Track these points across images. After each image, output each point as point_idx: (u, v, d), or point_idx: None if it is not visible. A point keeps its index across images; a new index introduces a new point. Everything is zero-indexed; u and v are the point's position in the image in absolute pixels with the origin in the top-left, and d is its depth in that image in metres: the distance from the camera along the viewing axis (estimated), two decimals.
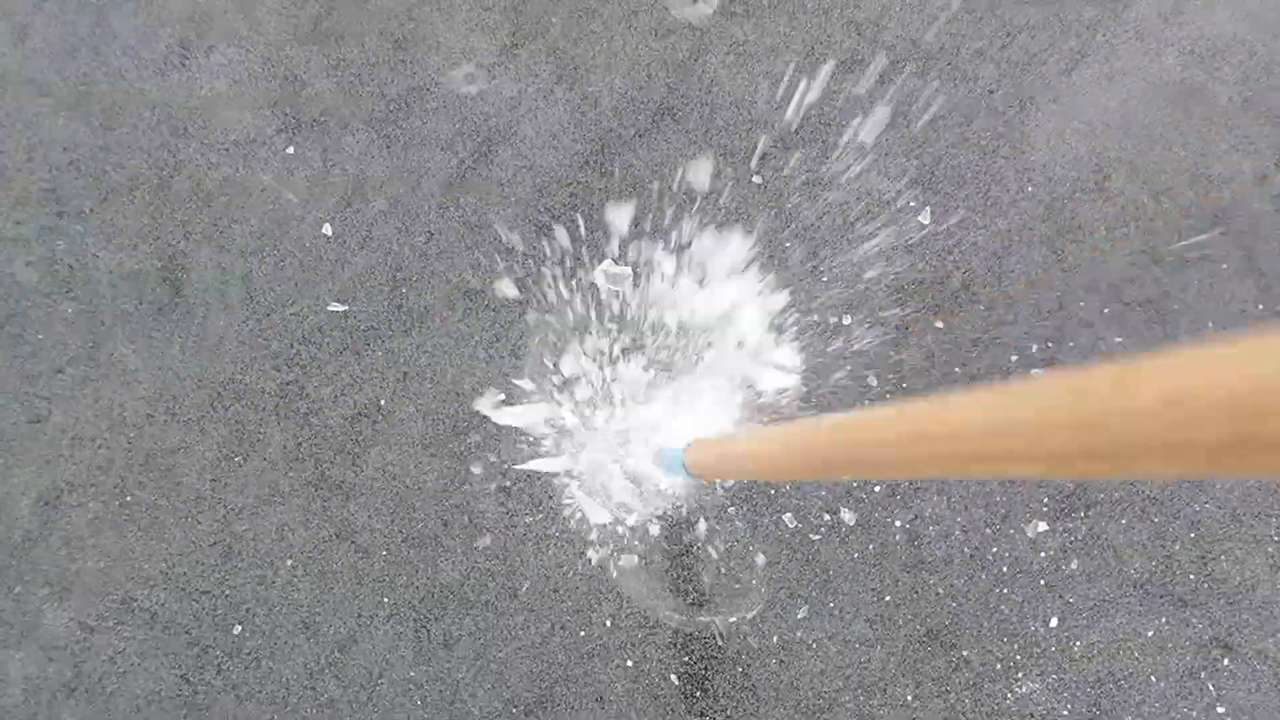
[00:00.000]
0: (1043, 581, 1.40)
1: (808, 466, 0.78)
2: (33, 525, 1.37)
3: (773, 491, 1.40)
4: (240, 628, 1.36)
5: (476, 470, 1.40)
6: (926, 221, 1.44)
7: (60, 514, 1.37)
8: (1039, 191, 1.44)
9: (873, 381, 1.44)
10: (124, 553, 1.37)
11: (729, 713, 1.36)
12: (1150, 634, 1.39)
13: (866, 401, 1.42)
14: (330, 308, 1.42)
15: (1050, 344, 1.43)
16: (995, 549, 1.40)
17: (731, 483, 1.40)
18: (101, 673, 1.35)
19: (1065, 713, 1.37)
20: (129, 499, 1.38)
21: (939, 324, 1.45)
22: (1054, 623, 1.39)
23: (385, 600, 1.37)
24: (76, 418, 1.39)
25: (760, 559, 1.39)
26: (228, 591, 1.37)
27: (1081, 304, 1.43)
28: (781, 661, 1.37)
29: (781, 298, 1.44)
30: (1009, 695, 1.38)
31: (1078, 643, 1.39)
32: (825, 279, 1.44)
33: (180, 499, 1.38)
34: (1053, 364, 1.42)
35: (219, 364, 1.41)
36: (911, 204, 1.44)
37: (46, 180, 1.43)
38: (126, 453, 1.39)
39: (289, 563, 1.37)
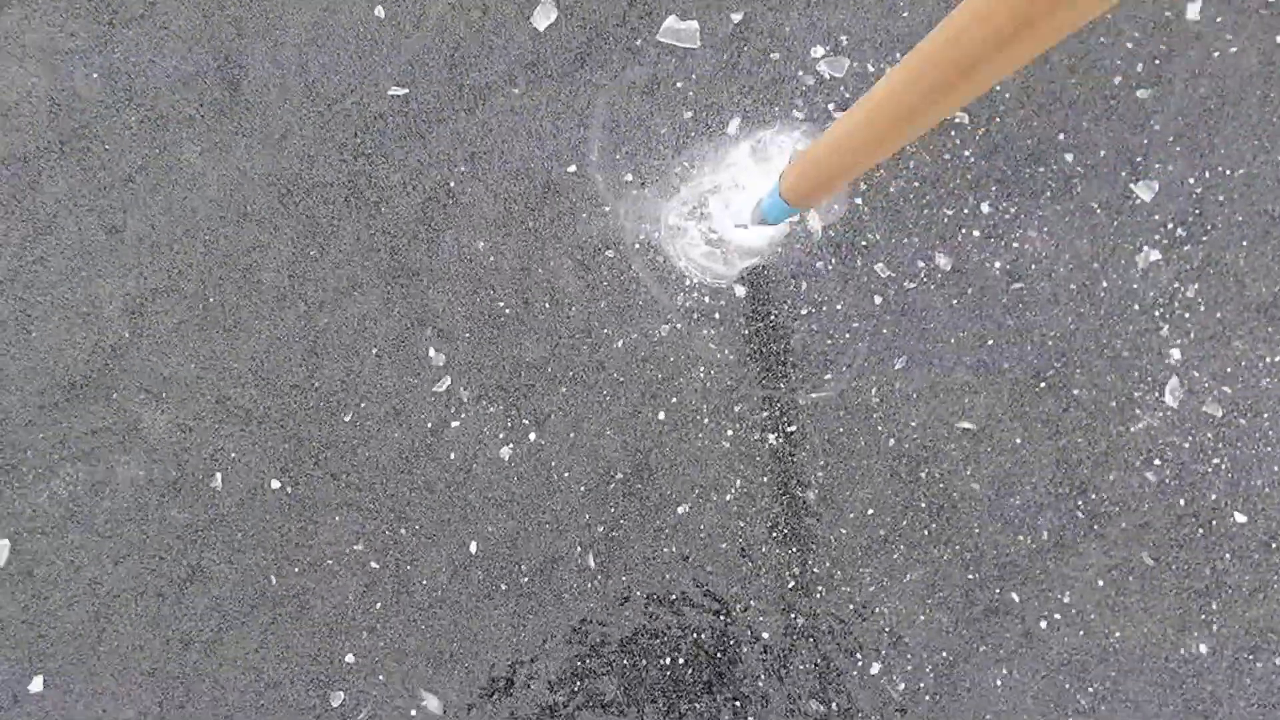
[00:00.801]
0: (1158, 313, 1.31)
1: (895, 119, 0.71)
2: (122, 333, 1.37)
3: (864, 242, 1.33)
4: (333, 419, 1.35)
5: (554, 245, 1.36)
6: None
7: (147, 320, 1.37)
8: None
9: (964, 120, 1.35)
10: (213, 354, 1.37)
11: (829, 468, 1.32)
12: (1278, 359, 1.30)
13: (956, 145, 1.33)
14: (391, 92, 1.38)
15: None
16: (1104, 283, 1.32)
17: (820, 229, 1.33)
18: (204, 470, 1.36)
19: (1186, 445, 1.30)
20: (211, 301, 1.37)
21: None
22: (1174, 355, 1.31)
23: (472, 381, 1.35)
24: (152, 225, 1.38)
25: (854, 311, 1.33)
26: (317, 384, 1.36)
27: None
28: (881, 415, 1.32)
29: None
30: (1125, 433, 1.31)
31: (1198, 372, 1.31)
32: (905, 12, 1.34)
33: (261, 298, 1.37)
34: None
35: (285, 160, 1.38)
36: None
37: None
38: (204, 256, 1.38)
39: (374, 351, 1.36)
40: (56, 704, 1.33)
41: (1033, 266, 1.32)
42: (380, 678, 1.32)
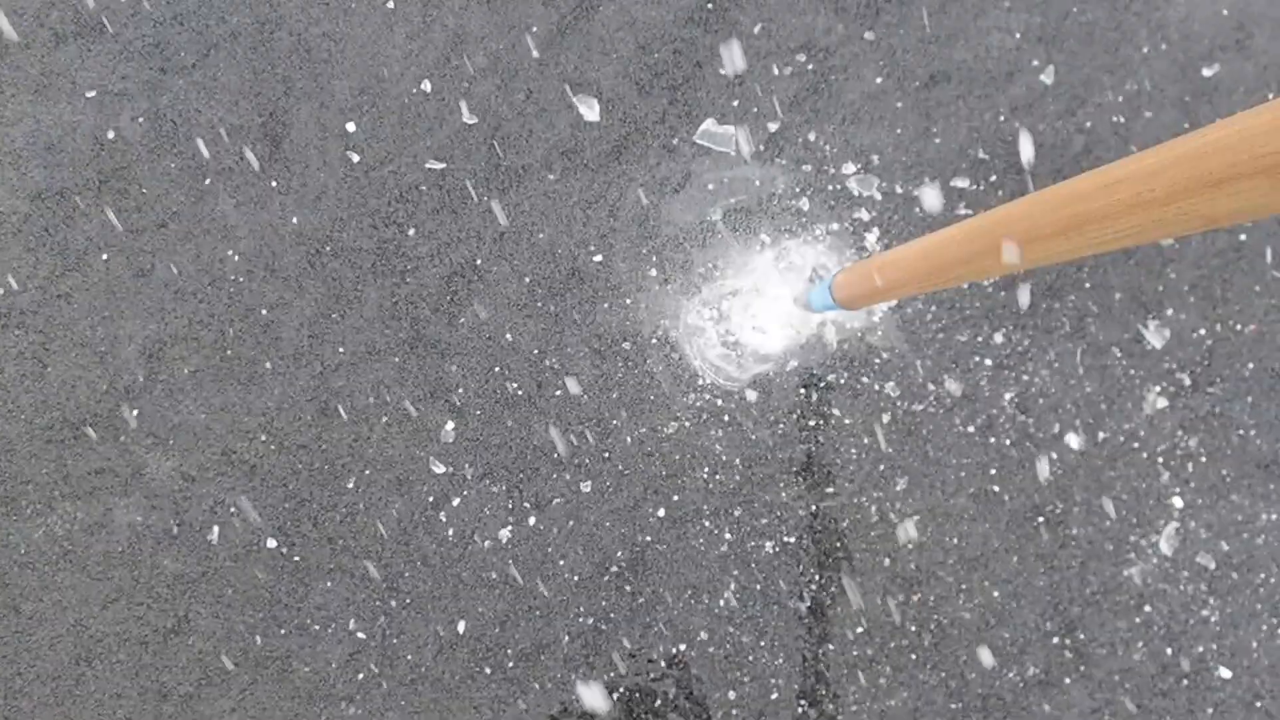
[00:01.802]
0: (1160, 459, 1.32)
1: (974, 254, 0.73)
2: (137, 376, 1.38)
3: (876, 361, 1.35)
4: (336, 483, 1.35)
5: (572, 331, 1.37)
6: (1049, 81, 1.36)
7: (163, 366, 1.38)
8: (1173, 50, 1.34)
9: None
10: (224, 405, 1.37)
11: (823, 582, 1.32)
12: (1275, 517, 1.31)
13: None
14: (428, 165, 1.40)
15: None
16: (1110, 423, 1.33)
17: (835, 343, 1.35)
18: (202, 522, 1.35)
19: (1178, 594, 1.31)
20: (229, 353, 1.38)
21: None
22: (1173, 503, 1.31)
23: (479, 460, 1.35)
24: (179, 272, 1.39)
25: (860, 427, 1.34)
26: (324, 446, 1.36)
27: None
28: (878, 534, 1.33)
29: (887, 155, 1.37)
30: (1118, 575, 1.31)
31: (1194, 522, 1.31)
32: (938, 138, 1.37)
33: (279, 354, 1.38)
34: None
35: (318, 220, 1.40)
36: (1034, 63, 1.36)
37: (150, 35, 1.42)
38: (227, 307, 1.39)
39: (384, 419, 1.36)
40: None
41: (1040, 400, 1.33)
42: None
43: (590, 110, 1.39)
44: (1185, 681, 1.29)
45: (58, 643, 1.32)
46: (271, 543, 1.33)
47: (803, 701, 1.30)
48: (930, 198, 1.37)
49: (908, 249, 0.86)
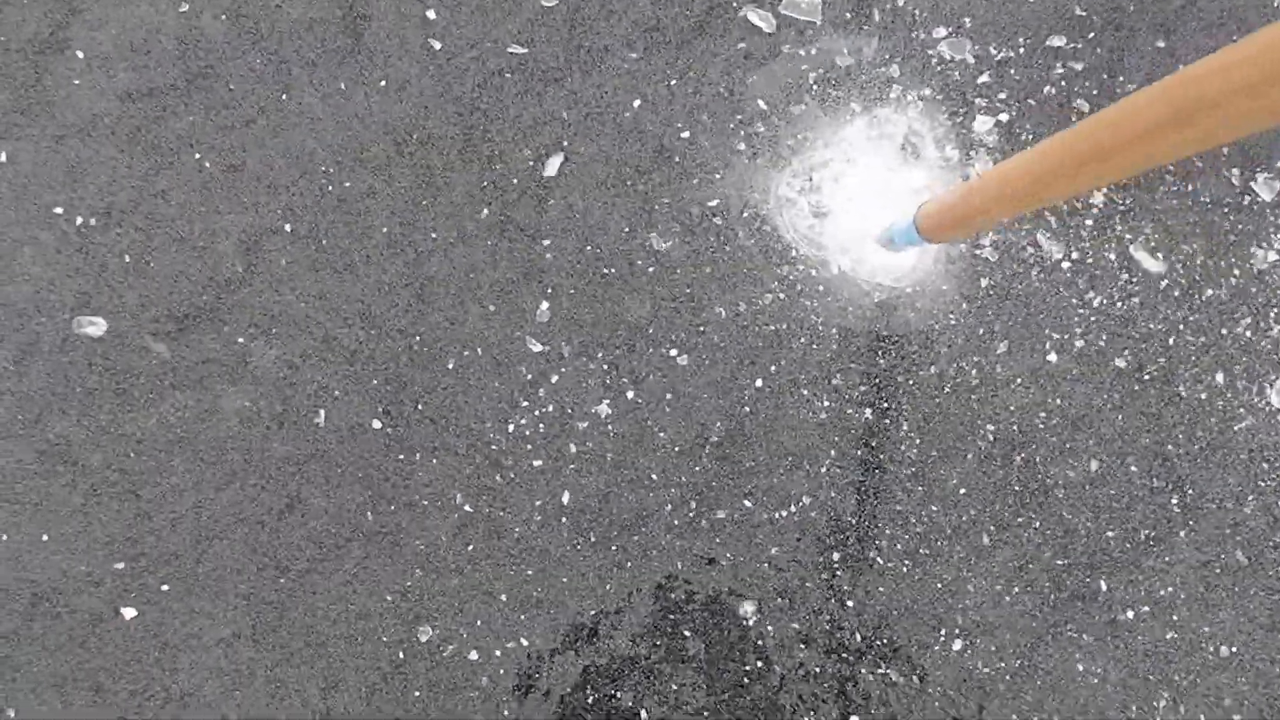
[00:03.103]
0: (1272, 314, 1.29)
1: (1063, 172, 0.70)
2: (236, 268, 1.40)
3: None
4: (436, 365, 1.37)
5: (662, 209, 1.36)
6: None
7: (260, 258, 1.40)
8: None
9: (1084, 107, 1.33)
10: (322, 294, 1.39)
11: (924, 446, 1.32)
12: None
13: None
14: (510, 50, 1.38)
15: None
16: (1218, 278, 1.30)
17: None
18: (308, 406, 1.38)
19: None
20: (323, 243, 1.39)
21: (1160, 43, 1.33)
22: None
23: (574, 337, 1.36)
24: (270, 166, 1.40)
25: (958, 293, 1.32)
26: (422, 330, 1.38)
27: None
28: (979, 397, 1.32)
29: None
30: (1226, 431, 1.29)
31: None
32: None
33: (372, 242, 1.39)
34: None
35: (403, 110, 1.40)
36: None
37: None
38: (318, 198, 1.39)
39: (479, 302, 1.37)
40: (154, 619, 1.37)
41: (1144, 258, 1.30)
42: (468, 617, 1.34)
43: None
44: None
45: (177, 524, 1.37)
46: (376, 424, 1.36)
47: (906, 562, 1.30)
48: (1025, 58, 1.33)
49: (1001, 168, 0.81)
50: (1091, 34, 1.32)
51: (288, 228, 1.38)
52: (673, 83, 1.36)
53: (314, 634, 1.35)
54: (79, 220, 1.38)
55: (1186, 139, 0.56)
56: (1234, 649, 1.27)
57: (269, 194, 1.39)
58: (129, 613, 1.36)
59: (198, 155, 1.40)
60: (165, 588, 1.36)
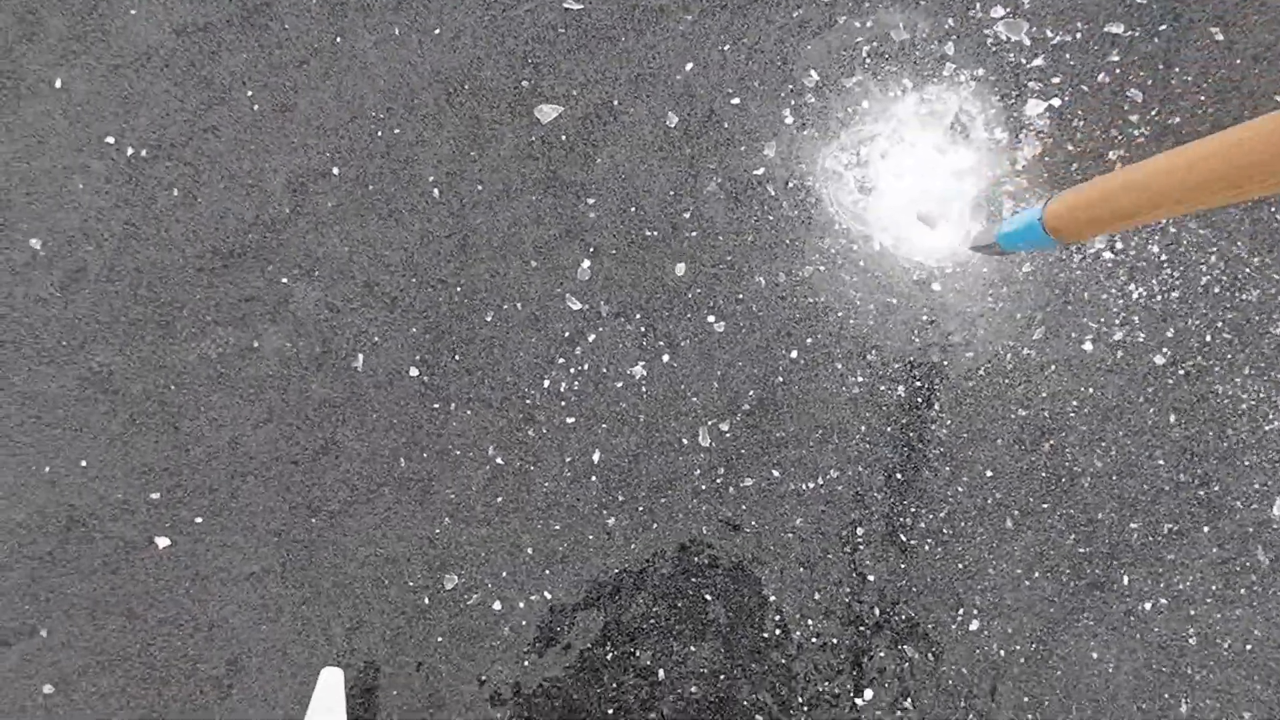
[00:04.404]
0: None
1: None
2: (282, 208, 1.40)
3: (1015, 211, 1.32)
4: (475, 316, 1.38)
5: (708, 174, 1.35)
6: None
7: (307, 199, 1.40)
8: None
9: (1137, 97, 1.32)
10: (366, 239, 1.39)
11: (954, 426, 1.32)
12: None
13: (1127, 120, 1.30)
14: (565, 5, 1.37)
15: None
16: (1256, 276, 1.29)
17: (973, 195, 1.31)
18: (347, 350, 1.39)
19: None
20: (370, 188, 1.39)
21: (1218, 35, 1.31)
22: None
23: (613, 297, 1.36)
24: (320, 108, 1.40)
25: (998, 276, 1.32)
26: (463, 281, 1.38)
27: None
28: (1012, 382, 1.32)
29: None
30: (1257, 430, 1.29)
31: None
32: None
33: (418, 190, 1.39)
34: None
35: (455, 59, 1.39)
36: None
37: None
38: (367, 143, 1.40)
39: (521, 256, 1.37)
40: (186, 550, 1.39)
41: (1186, 252, 1.29)
42: (493, 568, 1.36)
43: None
44: None
45: (214, 458, 1.38)
46: (414, 371, 1.37)
47: (929, 540, 1.31)
48: (1081, 43, 1.31)
49: (1169, 160, 0.68)
50: (1149, 22, 1.30)
51: (335, 171, 1.38)
52: (726, 48, 1.35)
53: (341, 575, 1.37)
54: (130, 151, 1.39)
55: None
56: (1249, 647, 1.27)
57: (318, 136, 1.39)
58: (162, 542, 1.39)
59: (250, 93, 1.40)
60: (199, 520, 1.38)
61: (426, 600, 1.35)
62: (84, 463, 1.39)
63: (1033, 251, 1.08)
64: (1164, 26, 1.30)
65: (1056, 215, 0.87)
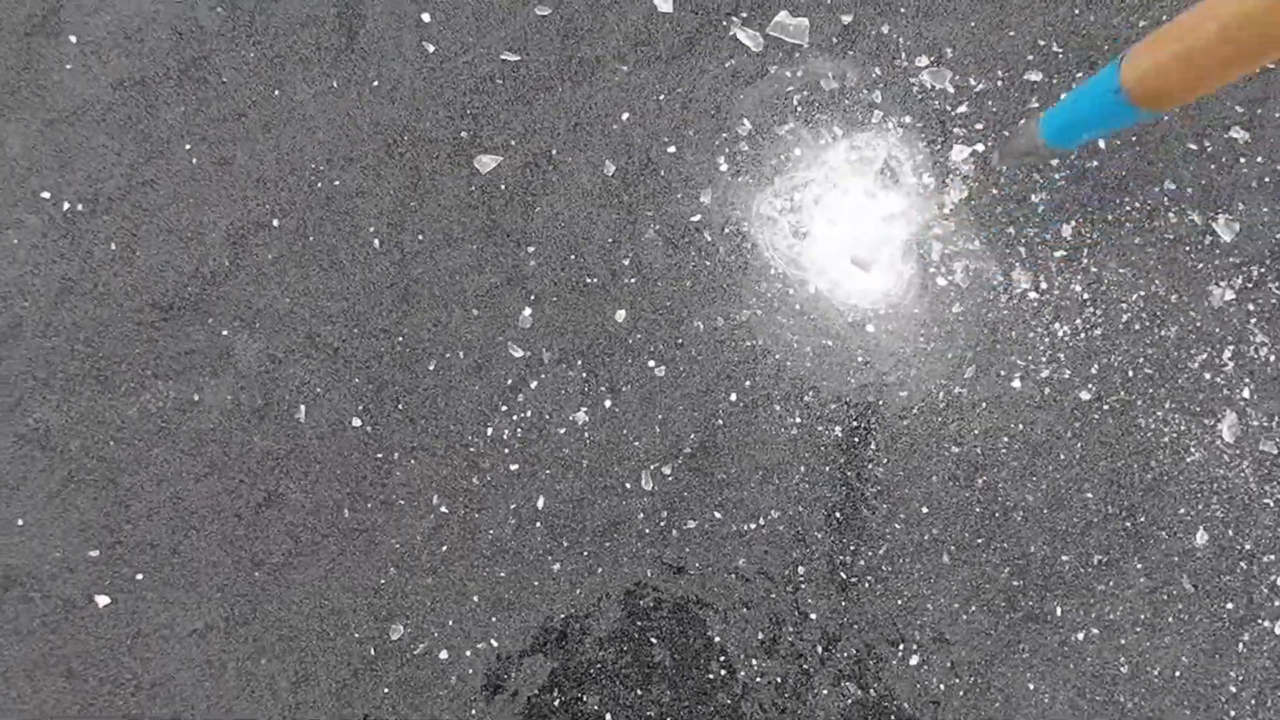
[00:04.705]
0: (1226, 352, 1.33)
1: None
2: (222, 260, 1.40)
3: (948, 250, 1.35)
4: (417, 366, 1.38)
5: (645, 221, 1.38)
6: None
7: (247, 251, 1.40)
8: None
9: None
10: (307, 290, 1.40)
11: (890, 465, 1.35)
12: None
13: (1049, 164, 1.35)
14: (503, 56, 1.40)
15: None
16: (1178, 315, 1.34)
17: (904, 236, 1.35)
18: (289, 401, 1.39)
19: (1239, 479, 1.33)
20: (310, 240, 1.40)
21: None
22: (1236, 394, 1.33)
23: (554, 344, 1.37)
24: (260, 160, 1.41)
25: (929, 316, 1.35)
26: (405, 331, 1.39)
27: None
28: (944, 420, 1.35)
29: None
30: (1179, 462, 1.33)
31: (1255, 411, 1.33)
32: (1011, 31, 1.35)
33: (359, 241, 1.40)
34: None
35: (395, 110, 1.40)
36: None
37: None
38: (307, 195, 1.40)
39: (462, 306, 1.38)
40: (128, 608, 1.38)
41: (1109, 291, 1.34)
42: (440, 617, 1.36)
43: (664, 1, 1.38)
44: (1243, 563, 1.31)
45: (154, 514, 1.37)
46: (356, 422, 1.37)
47: (869, 577, 1.33)
48: (1003, 90, 1.36)
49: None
50: (1066, 69, 1.35)
51: (275, 223, 1.39)
52: (661, 97, 1.38)
53: (286, 628, 1.36)
54: (66, 206, 1.38)
55: None
56: (1178, 673, 1.31)
57: (258, 189, 1.39)
58: (102, 600, 1.37)
59: (188, 146, 1.40)
60: (140, 577, 1.37)
61: (373, 651, 1.35)
62: (20, 521, 1.37)
63: (1105, 137, 0.86)
64: (1080, 74, 1.35)
65: (1145, 77, 0.66)
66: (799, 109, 1.37)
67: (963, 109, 1.36)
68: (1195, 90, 0.65)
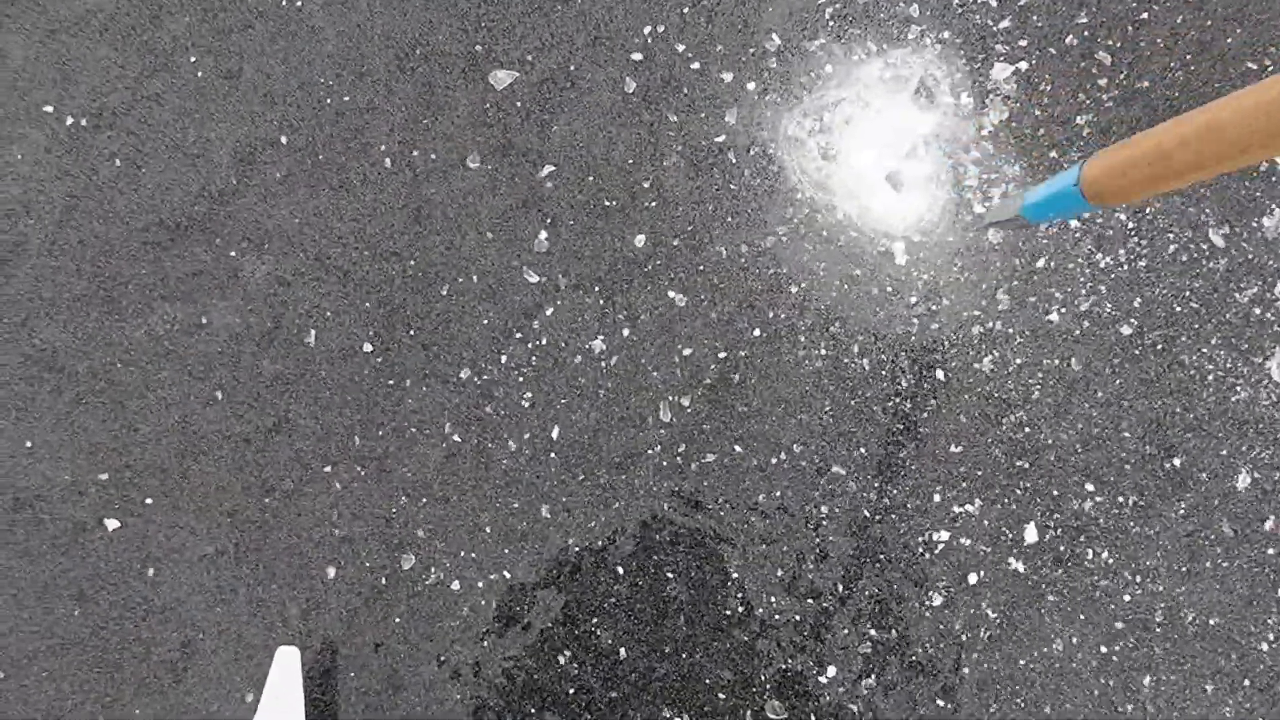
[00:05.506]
0: (1278, 286, 1.26)
1: None
2: (230, 179, 1.35)
3: (989, 176, 1.28)
4: (430, 290, 1.34)
5: (667, 142, 1.31)
6: None
7: (255, 170, 1.35)
8: None
9: (1105, 59, 1.28)
10: (317, 210, 1.35)
11: (919, 400, 1.29)
12: None
13: (1096, 83, 1.26)
14: None
15: None
16: (1227, 246, 1.26)
17: (940, 164, 1.28)
18: (298, 325, 1.35)
19: None
20: (320, 158, 1.35)
21: None
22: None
23: (571, 269, 1.32)
24: (268, 75, 1.35)
25: (963, 246, 1.28)
26: (417, 254, 1.34)
27: None
28: (978, 353, 1.29)
29: None
30: (1223, 401, 1.27)
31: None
32: None
33: (369, 160, 1.34)
34: None
35: (407, 23, 1.34)
36: None
37: None
38: (316, 111, 1.35)
39: (476, 228, 1.33)
40: (137, 532, 1.36)
41: (1159, 220, 1.26)
42: (451, 547, 1.33)
43: None
44: None
45: (163, 438, 1.34)
46: (367, 347, 1.33)
47: (892, 516, 1.29)
48: (1049, 4, 1.27)
49: (1223, 109, 0.60)
50: None
51: (284, 140, 1.34)
52: (685, 10, 1.30)
53: (296, 555, 1.34)
54: (69, 120, 1.34)
55: None
56: (1213, 620, 1.26)
57: (265, 104, 1.34)
58: (112, 524, 1.35)
59: (193, 59, 1.34)
60: (149, 501, 1.35)
61: (384, 580, 1.32)
62: (29, 443, 1.34)
63: (1066, 219, 1.02)
64: None
65: (1097, 179, 0.76)
66: (830, 23, 1.29)
67: (1005, 24, 1.28)
68: (1138, 195, 0.73)
